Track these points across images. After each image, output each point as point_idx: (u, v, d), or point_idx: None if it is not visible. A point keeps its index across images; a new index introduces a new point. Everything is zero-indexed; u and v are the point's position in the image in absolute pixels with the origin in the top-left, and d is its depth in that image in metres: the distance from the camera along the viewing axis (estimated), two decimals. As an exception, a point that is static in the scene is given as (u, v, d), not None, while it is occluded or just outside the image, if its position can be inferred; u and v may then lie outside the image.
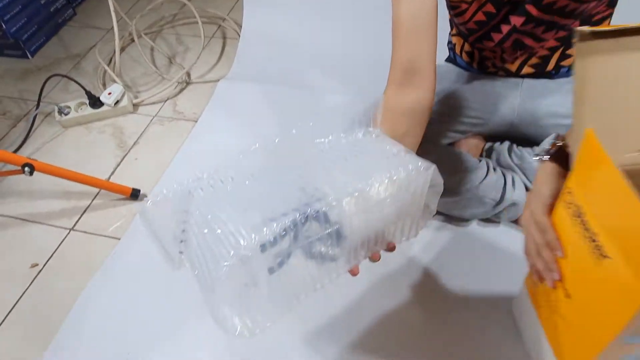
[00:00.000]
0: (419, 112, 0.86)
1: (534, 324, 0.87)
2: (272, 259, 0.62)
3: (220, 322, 0.63)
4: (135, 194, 1.38)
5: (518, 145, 1.17)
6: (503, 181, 1.10)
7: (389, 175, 0.65)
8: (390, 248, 0.77)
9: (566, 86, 1.09)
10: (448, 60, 1.25)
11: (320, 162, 0.70)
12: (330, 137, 0.74)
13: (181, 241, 0.65)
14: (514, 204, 1.10)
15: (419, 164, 0.68)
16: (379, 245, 0.74)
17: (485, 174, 1.10)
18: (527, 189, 1.11)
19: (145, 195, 1.40)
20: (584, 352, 0.71)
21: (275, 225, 0.59)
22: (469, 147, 1.23)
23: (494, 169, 1.12)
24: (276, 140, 0.72)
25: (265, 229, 0.58)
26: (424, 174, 0.69)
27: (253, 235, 0.58)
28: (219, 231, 0.60)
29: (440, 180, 0.72)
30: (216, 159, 1.40)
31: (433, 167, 0.69)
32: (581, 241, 0.65)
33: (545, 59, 1.08)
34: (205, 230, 0.61)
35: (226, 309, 0.63)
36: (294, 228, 0.60)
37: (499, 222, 1.18)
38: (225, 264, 0.56)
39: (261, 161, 0.72)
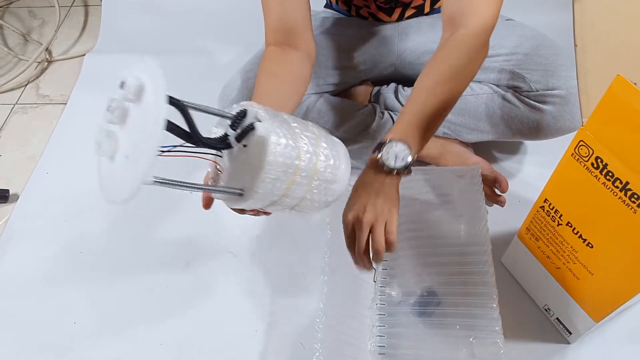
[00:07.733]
0: (300, 79, 0.85)
1: (538, 274, 0.84)
2: None
3: None
4: (4, 195, 1.19)
5: (404, 86, 1.14)
6: (391, 122, 1.08)
7: None
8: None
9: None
10: (326, 6, 1.20)
11: None
12: None
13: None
14: None
15: None
16: None
17: (374, 118, 1.08)
18: None
19: (16, 196, 1.19)
20: (613, 297, 0.69)
21: None
22: (358, 94, 1.18)
23: (382, 113, 1.10)
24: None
25: None
26: None
27: None
28: None
29: None
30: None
31: None
32: (606, 192, 0.62)
33: (420, 7, 1.08)
34: None
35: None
36: None
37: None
38: None
39: None
